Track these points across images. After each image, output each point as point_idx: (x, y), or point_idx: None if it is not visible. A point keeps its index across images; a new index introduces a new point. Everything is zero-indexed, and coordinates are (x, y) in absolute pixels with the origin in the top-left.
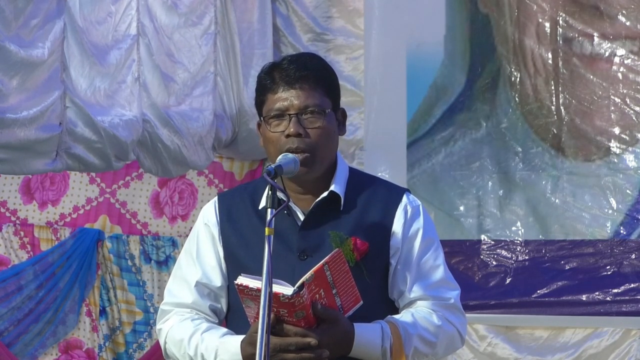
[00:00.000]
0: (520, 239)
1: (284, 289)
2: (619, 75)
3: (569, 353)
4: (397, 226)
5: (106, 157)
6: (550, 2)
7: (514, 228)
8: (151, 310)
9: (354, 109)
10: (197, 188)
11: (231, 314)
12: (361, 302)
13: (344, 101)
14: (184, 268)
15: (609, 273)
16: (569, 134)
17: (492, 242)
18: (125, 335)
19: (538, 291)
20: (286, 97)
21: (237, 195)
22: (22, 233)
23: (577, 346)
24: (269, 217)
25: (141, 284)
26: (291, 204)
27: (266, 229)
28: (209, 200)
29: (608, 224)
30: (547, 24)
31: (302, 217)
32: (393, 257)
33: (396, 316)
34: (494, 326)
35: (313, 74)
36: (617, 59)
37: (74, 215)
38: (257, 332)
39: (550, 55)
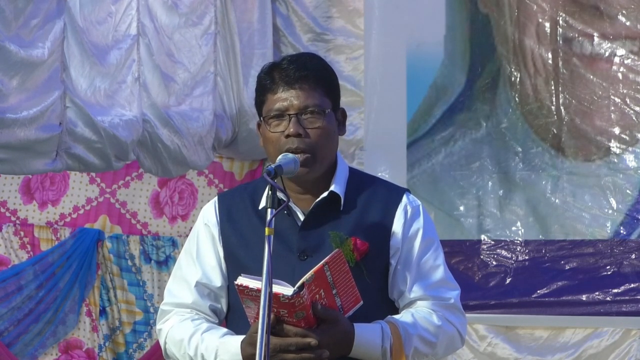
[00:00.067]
0: (520, 239)
1: (284, 289)
2: (619, 75)
3: (569, 353)
4: (397, 226)
5: (106, 157)
6: (550, 2)
7: (514, 228)
8: (151, 310)
9: (354, 109)
10: (197, 188)
11: (231, 314)
12: (361, 302)
13: (344, 101)
14: (184, 268)
15: (609, 273)
16: (569, 134)
17: (492, 242)
18: (125, 335)
19: (538, 291)
20: (286, 97)
21: (237, 195)
22: (22, 233)
23: (577, 346)
24: (269, 217)
25: (141, 284)
26: (291, 204)
27: (266, 229)
28: (209, 200)
29: (608, 224)
30: (547, 24)
31: (302, 217)
32: (393, 257)
33: (396, 316)
34: (494, 326)
35: (313, 74)
36: (617, 59)
37: (74, 215)
38: (257, 333)
39: (550, 55)
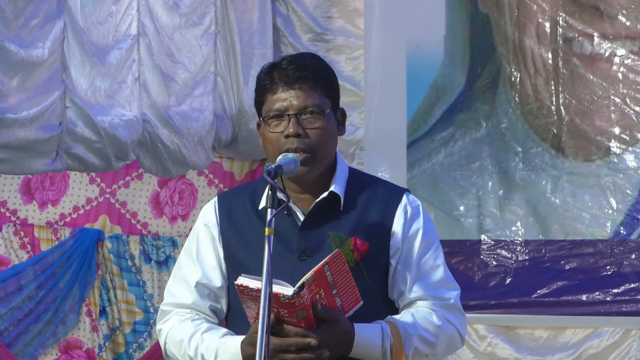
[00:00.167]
0: (520, 239)
1: (284, 290)
2: (619, 75)
3: (569, 353)
4: (397, 226)
5: (106, 157)
6: (550, 2)
7: (514, 228)
8: (151, 310)
9: (354, 109)
10: (197, 188)
11: (231, 314)
12: (361, 302)
13: (344, 101)
14: (184, 268)
15: (609, 273)
16: (569, 134)
17: (492, 242)
18: (125, 335)
19: (538, 291)
20: (285, 98)
21: (237, 196)
22: (22, 233)
23: (577, 346)
24: (269, 217)
25: (141, 284)
26: (291, 204)
27: (266, 229)
28: (209, 200)
29: (608, 224)
30: (547, 24)
31: (302, 218)
32: (393, 257)
33: (396, 316)
34: (494, 326)
35: (312, 74)
36: (617, 59)
37: (74, 215)
38: (257, 333)
39: (550, 55)
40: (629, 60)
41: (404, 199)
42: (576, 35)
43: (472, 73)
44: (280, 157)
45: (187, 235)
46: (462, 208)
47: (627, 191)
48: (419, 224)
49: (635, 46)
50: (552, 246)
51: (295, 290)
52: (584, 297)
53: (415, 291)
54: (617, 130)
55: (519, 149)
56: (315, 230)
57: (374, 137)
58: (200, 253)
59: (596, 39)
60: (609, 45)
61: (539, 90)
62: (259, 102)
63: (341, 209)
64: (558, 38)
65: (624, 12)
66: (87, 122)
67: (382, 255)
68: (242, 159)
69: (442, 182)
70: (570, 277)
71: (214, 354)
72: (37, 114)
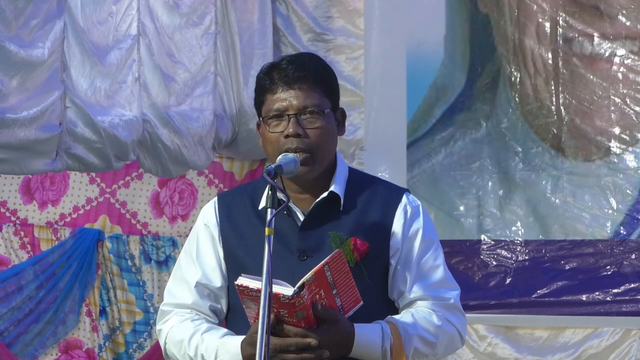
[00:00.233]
0: (520, 239)
1: (284, 290)
2: (619, 75)
3: (569, 353)
4: (397, 226)
5: (106, 157)
6: (550, 2)
7: (514, 228)
8: (151, 310)
9: (354, 109)
10: (197, 188)
11: (231, 314)
12: (361, 302)
13: (344, 101)
14: (183, 268)
15: (609, 273)
16: (569, 134)
17: (492, 242)
18: (125, 335)
19: (538, 291)
20: (285, 98)
21: (237, 196)
22: (22, 233)
23: (577, 346)
24: (269, 217)
25: (141, 284)
26: (291, 204)
27: (266, 229)
28: (209, 200)
29: (608, 224)
30: (547, 24)
31: (301, 218)
32: (393, 257)
33: (396, 316)
34: (494, 326)
35: (312, 74)
36: (617, 59)
37: (74, 215)
38: (257, 333)
39: (550, 55)
40: (629, 60)
41: (404, 199)
42: (576, 35)
43: (472, 73)
44: (280, 157)
45: (187, 235)
46: (462, 208)
47: (627, 191)
48: (418, 224)
49: (635, 46)
50: (552, 246)
51: (295, 290)
52: (584, 297)
53: (415, 291)
54: (617, 130)
55: (519, 149)
56: (315, 230)
57: (374, 137)
58: (200, 253)
59: (596, 39)
60: (609, 45)
61: (539, 90)
62: (259, 102)
63: (341, 209)
64: (558, 38)
65: (624, 12)
66: (87, 122)
67: (382, 255)
68: (242, 159)
69: (442, 182)
70: (570, 277)
71: (214, 354)
72: (37, 114)
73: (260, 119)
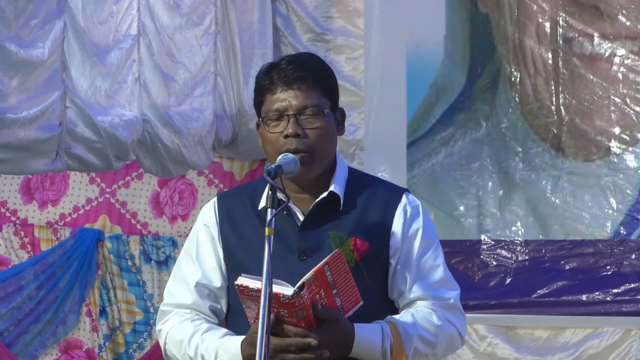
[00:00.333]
0: (520, 239)
1: (284, 290)
2: (619, 75)
3: (569, 353)
4: (397, 226)
5: (106, 157)
6: (550, 2)
7: (514, 228)
8: (151, 310)
9: (354, 109)
10: (197, 188)
11: (231, 314)
12: (361, 302)
13: (344, 101)
14: (183, 269)
15: (609, 273)
16: (569, 134)
17: (492, 242)
18: (125, 335)
19: (538, 291)
20: (284, 98)
21: (237, 196)
22: (22, 233)
23: (577, 346)
24: (268, 217)
25: (141, 284)
26: (291, 204)
27: (266, 229)
28: (209, 200)
29: (608, 224)
30: (547, 24)
31: (301, 218)
32: (393, 257)
33: (396, 316)
34: (494, 326)
35: (311, 74)
36: (617, 59)
37: (74, 215)
38: (257, 333)
39: (550, 55)
40: (629, 60)
41: (404, 198)
42: (576, 35)
43: (472, 73)
44: (280, 157)
45: (187, 235)
46: (462, 208)
47: (627, 191)
48: (418, 223)
49: (635, 46)
50: (552, 246)
51: (295, 290)
52: (584, 297)
53: (415, 291)
54: (617, 130)
55: (519, 149)
56: (315, 230)
57: (374, 137)
58: (200, 253)
59: (596, 39)
60: (609, 45)
61: (539, 90)
62: (258, 103)
63: (341, 209)
64: (558, 38)
65: (624, 12)
66: (87, 122)
67: (382, 255)
68: (242, 159)
69: (442, 182)
70: (570, 277)
71: (214, 354)
72: (37, 114)
73: (260, 119)
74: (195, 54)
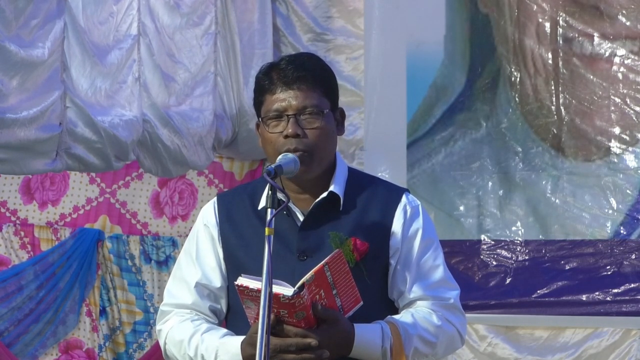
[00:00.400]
0: (520, 239)
1: (284, 290)
2: (619, 75)
3: (569, 353)
4: (397, 226)
5: (106, 157)
6: (550, 2)
7: (514, 228)
8: (151, 310)
9: (354, 109)
10: (197, 188)
11: (231, 314)
12: (361, 302)
13: (344, 101)
14: (183, 269)
15: (609, 273)
16: (569, 134)
17: (492, 242)
18: (126, 335)
19: (538, 291)
20: (284, 98)
21: (237, 196)
22: (22, 233)
23: (577, 346)
24: (268, 217)
25: (141, 284)
26: (290, 204)
27: (266, 229)
28: (209, 200)
29: (608, 224)
30: (547, 24)
31: (301, 218)
32: (393, 257)
33: (396, 316)
34: (494, 326)
35: (311, 74)
36: (617, 59)
37: (74, 215)
38: (257, 333)
39: (550, 55)
40: (629, 60)
41: (404, 198)
42: (576, 35)
43: (472, 73)
44: (280, 157)
45: (187, 235)
46: (462, 208)
47: (627, 191)
48: (418, 223)
49: (635, 46)
50: (552, 246)
51: (295, 290)
52: (584, 297)
53: (415, 291)
54: (617, 130)
55: (519, 149)
56: (315, 230)
57: (374, 137)
58: (200, 253)
59: (596, 39)
60: (609, 45)
61: (539, 90)
62: (258, 103)
63: (341, 209)
64: (558, 38)
65: (624, 12)
66: (87, 122)
67: (381, 255)
68: (242, 159)
69: (442, 182)
70: (570, 277)
71: (214, 354)
72: (37, 114)
73: (260, 119)
74: (195, 54)
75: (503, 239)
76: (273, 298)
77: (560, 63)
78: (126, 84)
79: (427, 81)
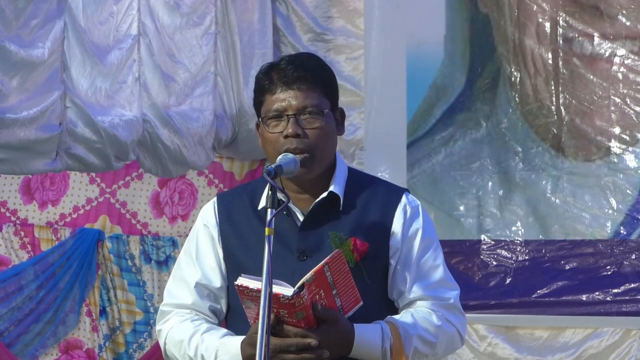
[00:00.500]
0: (520, 239)
1: (284, 290)
2: (619, 75)
3: (569, 353)
4: (397, 226)
5: (106, 157)
6: (550, 2)
7: (514, 228)
8: (151, 310)
9: (354, 109)
10: (197, 188)
11: (231, 314)
12: (361, 302)
13: (344, 101)
14: (183, 269)
15: (609, 273)
16: (569, 134)
17: (492, 242)
18: (126, 335)
19: (538, 291)
20: (284, 98)
21: (237, 196)
22: (22, 233)
23: (577, 346)
24: (268, 217)
25: (141, 284)
26: (290, 204)
27: (266, 229)
28: (209, 200)
29: (608, 224)
30: (547, 24)
31: (301, 218)
32: (392, 257)
33: (396, 316)
34: (494, 326)
35: (311, 74)
36: (617, 59)
37: (74, 215)
38: (257, 333)
39: (550, 55)
40: (629, 60)
41: (404, 198)
42: (576, 35)
43: (472, 73)
44: (280, 157)
45: (187, 235)
46: (462, 208)
47: (627, 191)
48: (418, 223)
49: (635, 46)
50: (552, 246)
51: (295, 290)
52: (584, 297)
53: (415, 291)
54: (617, 130)
55: (519, 149)
56: (315, 230)
57: (374, 137)
58: (200, 254)
59: (596, 39)
60: (609, 45)
61: (539, 90)
62: (258, 103)
63: (341, 209)
64: (558, 38)
65: (624, 12)
66: (87, 122)
67: (381, 255)
68: (242, 159)
69: (442, 182)
70: (570, 277)
71: (214, 354)
72: (37, 114)
73: (260, 119)
74: (196, 54)
75: (503, 239)
76: (273, 298)
77: (560, 63)
78: (126, 84)
79: (427, 81)
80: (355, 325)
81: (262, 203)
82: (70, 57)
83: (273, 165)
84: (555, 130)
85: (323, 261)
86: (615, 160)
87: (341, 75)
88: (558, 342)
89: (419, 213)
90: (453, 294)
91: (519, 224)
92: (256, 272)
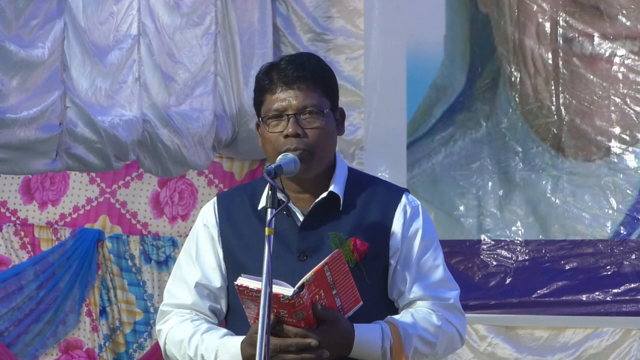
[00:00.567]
0: (520, 239)
1: (284, 290)
2: (619, 75)
3: (569, 353)
4: (397, 226)
5: (106, 157)
6: (550, 2)
7: (514, 228)
8: (151, 310)
9: (354, 109)
10: (197, 188)
11: (231, 314)
12: (361, 302)
13: (344, 101)
14: (183, 269)
15: (609, 273)
16: (569, 134)
17: (492, 242)
18: (126, 335)
19: (538, 291)
20: (284, 98)
21: (237, 196)
22: (22, 233)
23: (577, 346)
24: (268, 217)
25: (141, 284)
26: (290, 204)
27: (266, 229)
28: (209, 200)
29: (608, 224)
30: (547, 24)
31: (301, 218)
32: (392, 257)
33: (396, 317)
34: (494, 326)
35: (311, 74)
36: (617, 59)
37: (74, 215)
38: (257, 333)
39: (550, 55)
40: (629, 60)
41: (404, 198)
42: (576, 35)
43: (472, 73)
44: (280, 157)
45: (187, 235)
46: (462, 208)
47: (627, 191)
48: (418, 224)
49: (635, 46)
50: (552, 246)
51: (295, 290)
52: (584, 297)
53: (415, 291)
54: (617, 130)
55: (519, 149)
56: (315, 230)
57: (374, 137)
58: (200, 254)
59: (596, 39)
60: (609, 45)
61: (539, 90)
62: (258, 103)
63: (340, 209)
64: (558, 38)
65: (624, 12)
66: (87, 122)
67: (381, 255)
68: (242, 159)
69: (442, 182)
70: (570, 277)
71: (214, 354)
72: (37, 114)
73: (260, 119)
74: (196, 54)
75: (503, 239)
76: (273, 298)
77: (560, 63)
78: (126, 84)
79: (427, 81)
80: (355, 325)
81: (262, 203)
82: (70, 57)
83: (273, 165)
84: (555, 130)
85: (323, 261)
86: (615, 160)
87: (341, 75)
88: (558, 342)
89: (419, 213)
90: (453, 294)
91: (519, 224)
92: (256, 272)
